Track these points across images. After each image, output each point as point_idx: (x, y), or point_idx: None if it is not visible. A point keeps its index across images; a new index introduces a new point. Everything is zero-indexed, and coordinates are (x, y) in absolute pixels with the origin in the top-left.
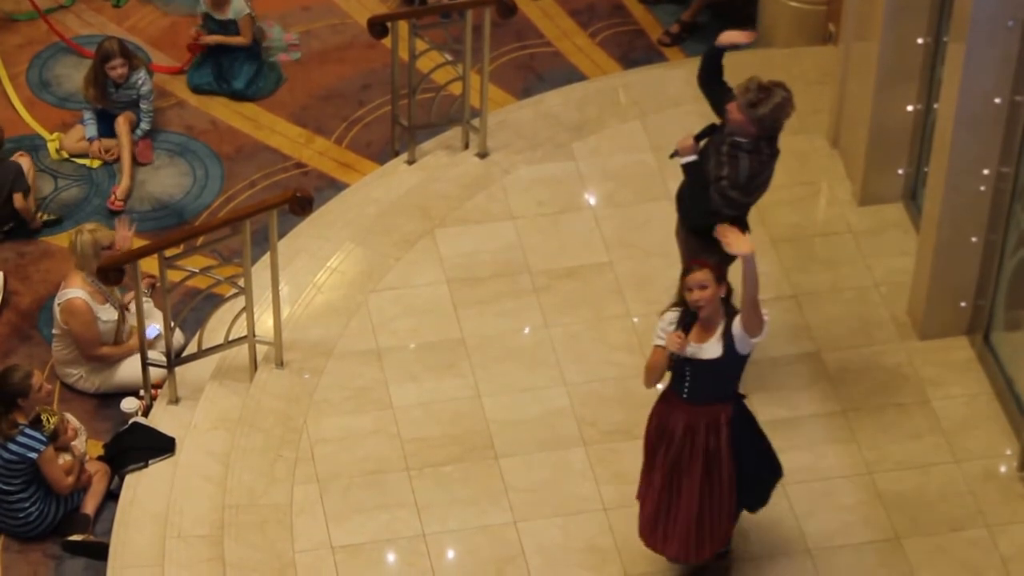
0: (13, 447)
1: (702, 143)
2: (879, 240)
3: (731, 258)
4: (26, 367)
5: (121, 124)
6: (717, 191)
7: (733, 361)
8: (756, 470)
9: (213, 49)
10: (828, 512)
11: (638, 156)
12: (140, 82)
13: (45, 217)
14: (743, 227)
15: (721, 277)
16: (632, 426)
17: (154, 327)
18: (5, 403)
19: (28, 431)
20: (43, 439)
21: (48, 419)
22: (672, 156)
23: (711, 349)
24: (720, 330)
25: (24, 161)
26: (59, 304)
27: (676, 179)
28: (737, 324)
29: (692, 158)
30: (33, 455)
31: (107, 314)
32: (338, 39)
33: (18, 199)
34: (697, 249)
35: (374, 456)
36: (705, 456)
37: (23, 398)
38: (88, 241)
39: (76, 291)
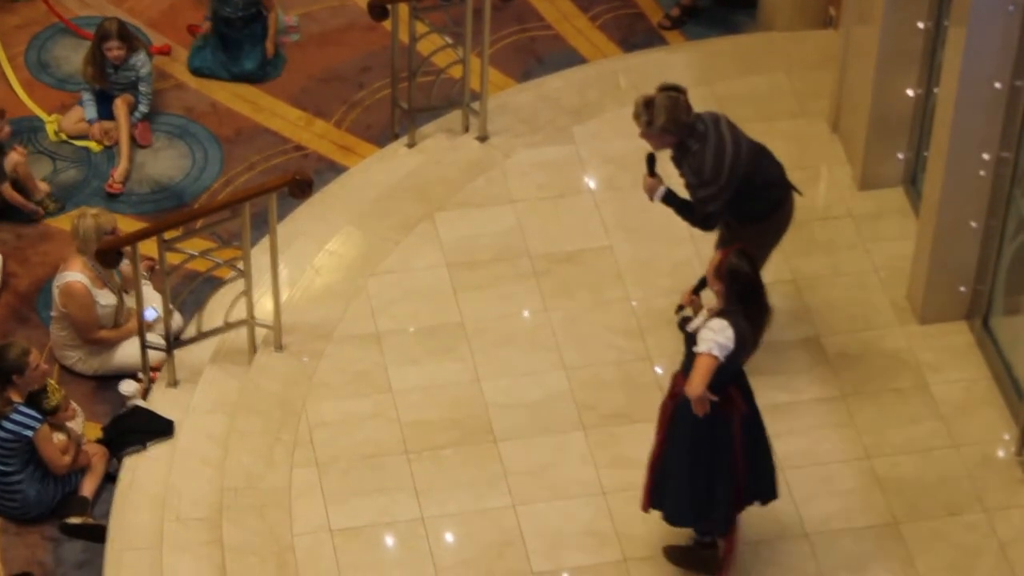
0: (8, 425)
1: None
2: (879, 225)
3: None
4: (24, 344)
5: (119, 106)
6: (696, 203)
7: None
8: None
9: (220, 30)
10: (826, 497)
11: (638, 140)
12: (139, 64)
13: (50, 208)
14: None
15: (721, 274)
16: (632, 410)
17: (152, 310)
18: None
19: (23, 408)
20: (38, 417)
21: (52, 393)
22: (652, 199)
23: (696, 324)
24: (707, 318)
25: (13, 155)
26: (58, 287)
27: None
28: (706, 331)
29: (663, 190)
30: (29, 433)
31: (106, 299)
32: (338, 21)
33: (5, 189)
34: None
35: (373, 439)
36: (671, 415)
37: (18, 375)
38: (91, 225)
39: (75, 274)
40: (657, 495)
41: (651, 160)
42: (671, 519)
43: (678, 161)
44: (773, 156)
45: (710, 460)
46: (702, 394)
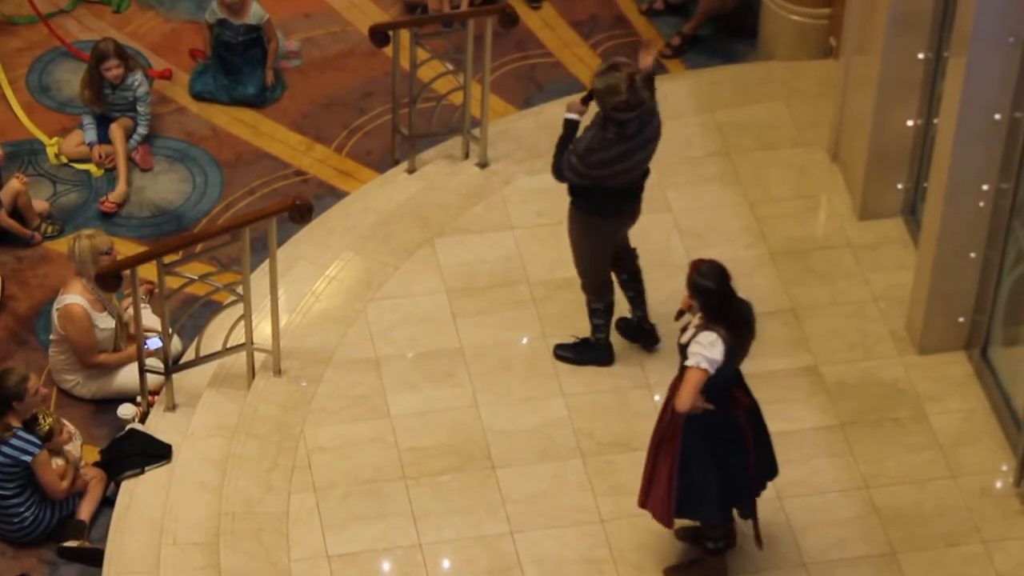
0: (7, 450)
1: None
2: (878, 254)
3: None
4: (22, 370)
5: (115, 131)
6: (568, 153)
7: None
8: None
9: (220, 54)
10: (824, 526)
11: None
12: (136, 83)
13: (48, 231)
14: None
15: (692, 292)
16: (630, 438)
17: (155, 340)
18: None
19: (22, 434)
20: (37, 442)
21: (44, 419)
22: (565, 115)
23: (686, 336)
24: (695, 332)
25: (13, 183)
26: (57, 309)
27: (675, 189)
28: (695, 344)
29: (576, 116)
30: (27, 458)
31: (105, 322)
32: (339, 47)
33: (2, 215)
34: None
35: (371, 465)
36: (666, 419)
37: (18, 401)
38: (86, 247)
39: (75, 297)
40: (687, 507)
41: (591, 96)
42: (707, 520)
43: (595, 119)
44: (645, 173)
45: (730, 456)
46: (690, 408)
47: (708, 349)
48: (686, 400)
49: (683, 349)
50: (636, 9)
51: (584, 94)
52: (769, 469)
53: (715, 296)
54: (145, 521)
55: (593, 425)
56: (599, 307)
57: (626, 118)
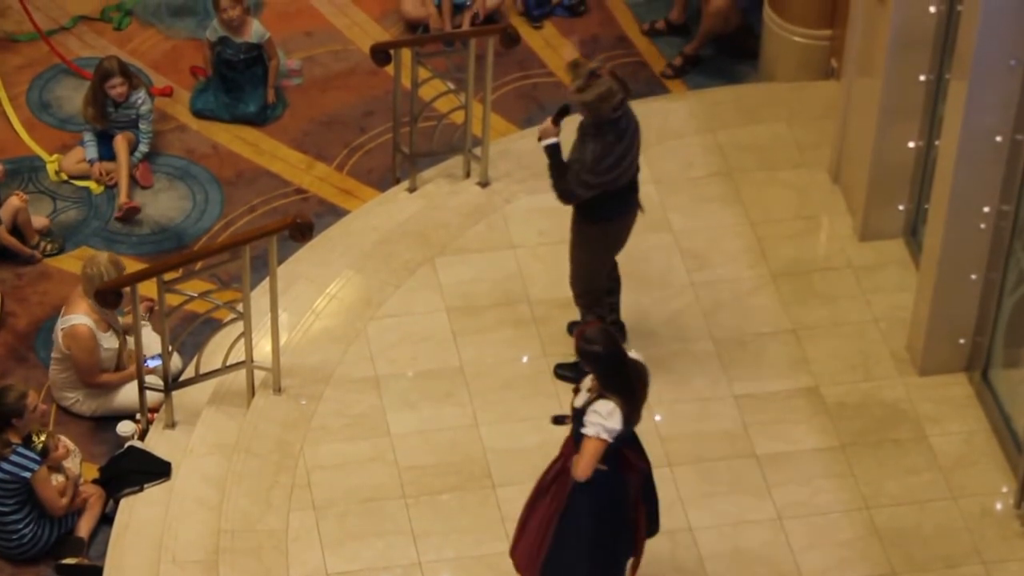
0: (7, 466)
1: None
2: (879, 275)
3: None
4: (21, 387)
5: (120, 143)
6: (572, 175)
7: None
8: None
9: (221, 72)
10: (825, 547)
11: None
12: (140, 101)
13: (48, 249)
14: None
15: (581, 360)
16: None
17: (156, 358)
18: None
19: (21, 450)
20: (37, 458)
21: (37, 437)
22: (539, 140)
23: (580, 400)
24: (590, 397)
25: (13, 200)
26: (62, 329)
27: (676, 210)
28: (592, 414)
29: (549, 141)
30: (27, 474)
31: (109, 342)
32: (340, 65)
33: (1, 232)
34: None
35: (371, 483)
36: (550, 476)
37: (17, 418)
38: (110, 268)
39: (81, 317)
40: (550, 566)
41: (563, 112)
42: None
43: (584, 132)
44: (637, 165)
45: (613, 533)
46: (588, 477)
47: (607, 419)
48: (584, 470)
49: (577, 414)
50: (638, 29)
51: (554, 116)
52: (651, 528)
53: (604, 360)
54: (144, 538)
55: None
56: (595, 319)
57: (619, 115)
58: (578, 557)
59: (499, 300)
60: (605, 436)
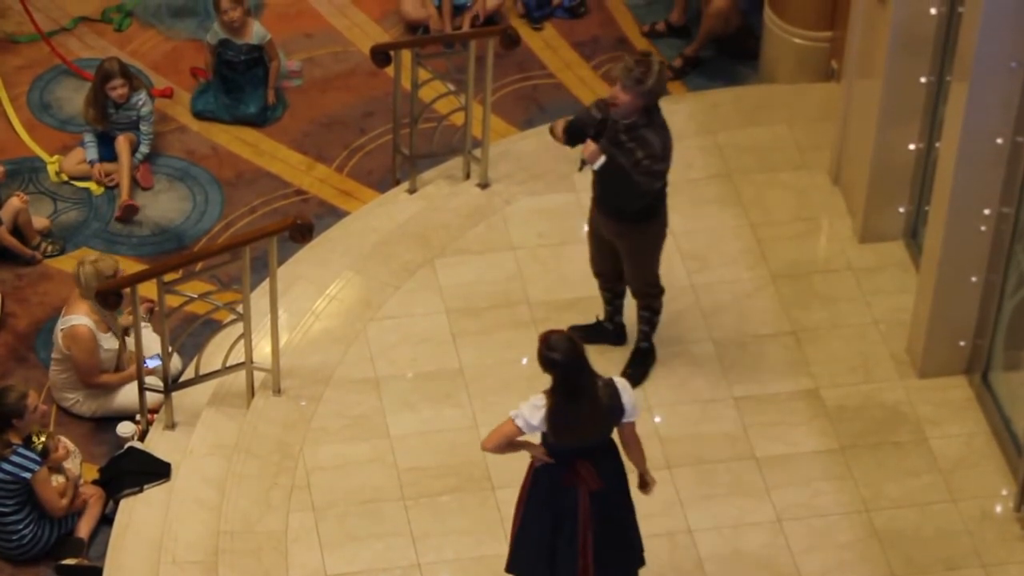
0: (7, 467)
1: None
2: (879, 278)
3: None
4: (21, 387)
5: (121, 143)
6: (642, 172)
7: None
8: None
9: (222, 73)
10: (824, 549)
11: None
12: (140, 103)
13: (48, 250)
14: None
15: (541, 365)
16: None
17: (155, 358)
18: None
19: (22, 451)
20: (37, 459)
21: (37, 438)
22: (581, 168)
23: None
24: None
25: (14, 201)
26: (62, 330)
27: (679, 213)
28: (524, 403)
29: (602, 160)
30: (27, 475)
31: (109, 343)
32: (340, 67)
33: (2, 233)
34: (620, 232)
35: (370, 485)
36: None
37: (18, 418)
38: (91, 272)
39: (81, 318)
40: (514, 561)
41: (598, 128)
42: None
43: (633, 132)
44: None
45: (541, 534)
46: (491, 451)
47: (530, 410)
48: (489, 443)
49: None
50: (638, 31)
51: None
52: (628, 556)
53: (561, 368)
54: (144, 539)
55: None
56: (661, 304)
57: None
58: (537, 549)
59: (499, 302)
60: (520, 423)
